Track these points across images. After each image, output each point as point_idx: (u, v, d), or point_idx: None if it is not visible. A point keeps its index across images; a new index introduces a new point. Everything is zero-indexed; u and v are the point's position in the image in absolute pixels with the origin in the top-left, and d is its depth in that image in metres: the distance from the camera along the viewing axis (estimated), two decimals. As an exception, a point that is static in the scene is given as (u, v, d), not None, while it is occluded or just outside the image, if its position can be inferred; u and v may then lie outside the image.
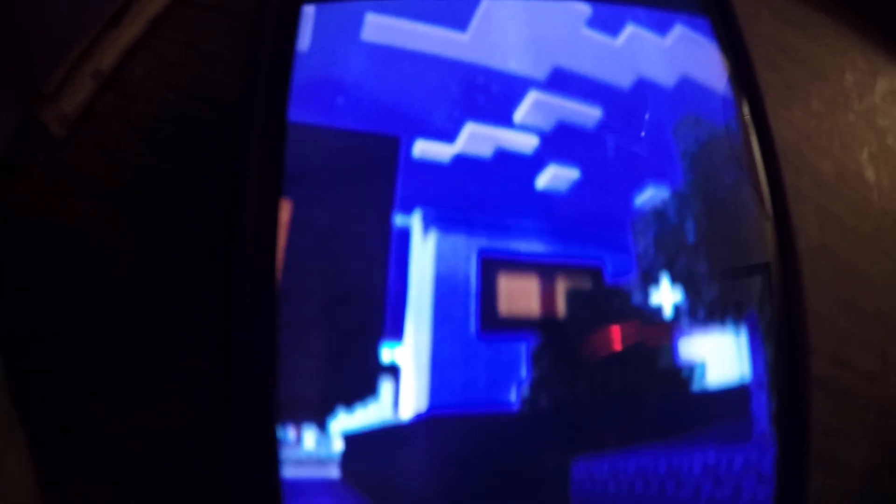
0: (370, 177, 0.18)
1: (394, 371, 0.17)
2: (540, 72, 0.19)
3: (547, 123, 0.19)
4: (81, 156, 0.23)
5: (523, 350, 0.18)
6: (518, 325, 0.18)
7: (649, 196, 0.19)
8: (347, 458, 0.17)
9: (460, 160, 0.18)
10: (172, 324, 0.22)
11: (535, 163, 0.19)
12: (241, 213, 0.17)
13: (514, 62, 0.19)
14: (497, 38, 0.19)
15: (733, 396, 0.20)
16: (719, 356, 0.20)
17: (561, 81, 0.19)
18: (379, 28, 0.19)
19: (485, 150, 0.18)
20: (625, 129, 0.19)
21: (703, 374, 0.20)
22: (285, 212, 0.18)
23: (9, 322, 0.22)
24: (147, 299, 0.22)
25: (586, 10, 0.20)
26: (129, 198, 0.23)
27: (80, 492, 0.21)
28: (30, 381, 0.21)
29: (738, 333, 0.20)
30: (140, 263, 0.22)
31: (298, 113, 0.18)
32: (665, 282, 0.19)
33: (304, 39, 0.19)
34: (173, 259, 0.22)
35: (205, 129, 0.23)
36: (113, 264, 0.22)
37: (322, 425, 0.17)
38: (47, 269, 0.22)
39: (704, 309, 0.19)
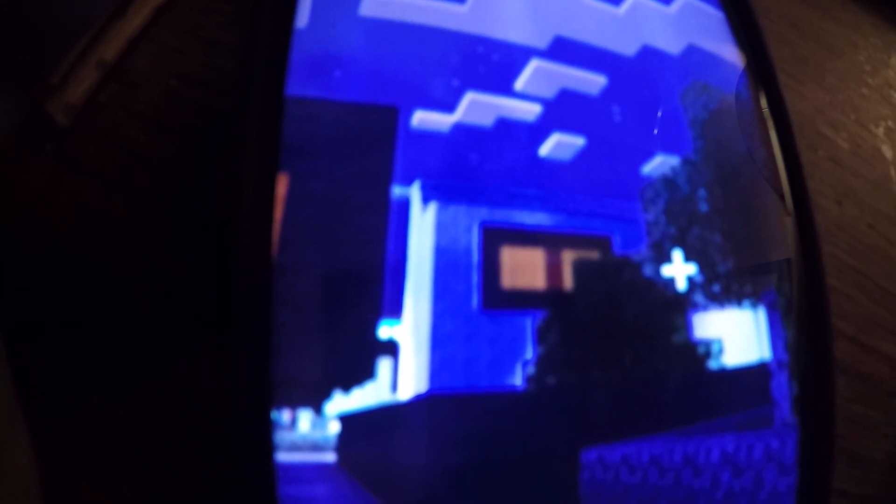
0: (369, 148, 0.17)
1: (392, 348, 0.16)
2: (541, 41, 0.18)
3: (549, 91, 0.18)
4: (86, 145, 0.23)
5: (529, 325, 0.17)
6: (523, 300, 0.17)
7: (658, 164, 0.18)
8: (344, 441, 0.16)
9: (461, 130, 0.17)
10: (177, 314, 0.21)
11: (538, 131, 0.17)
12: (239, 185, 0.17)
13: (514, 32, 0.18)
14: (496, 10, 0.18)
15: (753, 379, 0.19)
16: (737, 335, 0.18)
17: (563, 50, 0.18)
18: (377, 3, 0.18)
19: (485, 120, 0.17)
20: (631, 96, 0.18)
21: (720, 355, 0.18)
22: (282, 185, 0.17)
23: (13, 314, 0.21)
24: (152, 289, 0.21)
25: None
26: (135, 185, 0.22)
27: (82, 486, 0.20)
28: (33, 375, 0.20)
29: (756, 311, 0.18)
30: (146, 252, 0.21)
31: (296, 87, 0.17)
32: (677, 253, 0.17)
33: (303, 16, 0.18)
34: (180, 246, 0.21)
35: (208, 115, 0.22)
36: (119, 254, 0.21)
37: (317, 406, 0.16)
38: (53, 261, 0.22)
39: (720, 283, 0.18)
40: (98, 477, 0.20)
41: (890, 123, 0.24)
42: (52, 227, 0.22)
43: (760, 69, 0.19)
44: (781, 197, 0.19)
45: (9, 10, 0.25)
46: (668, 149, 0.18)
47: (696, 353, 0.18)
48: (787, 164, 0.19)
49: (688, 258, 0.18)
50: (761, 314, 0.18)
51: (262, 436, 0.15)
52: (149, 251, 0.21)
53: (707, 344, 0.18)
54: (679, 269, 0.17)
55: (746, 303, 0.18)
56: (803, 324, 0.18)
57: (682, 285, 0.18)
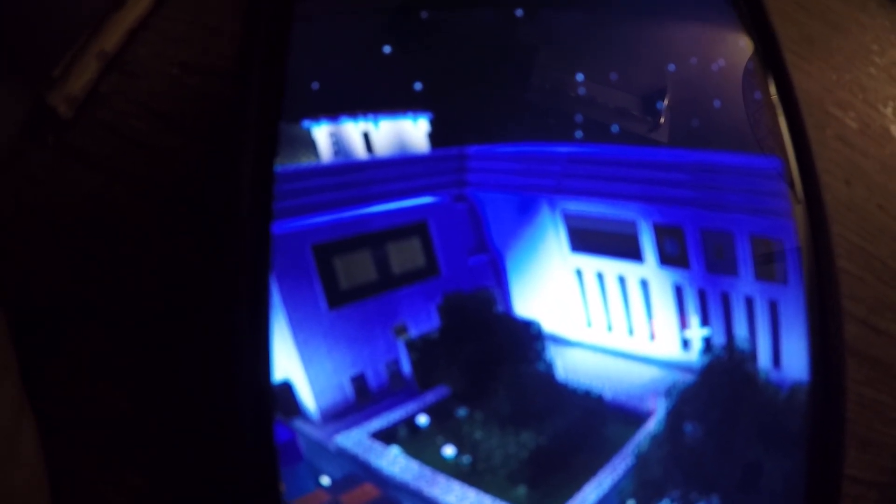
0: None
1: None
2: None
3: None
4: (88, 136, 0.22)
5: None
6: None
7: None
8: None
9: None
10: (184, 304, 0.20)
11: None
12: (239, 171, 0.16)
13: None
14: None
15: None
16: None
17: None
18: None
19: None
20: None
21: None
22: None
23: (20, 306, 0.20)
24: (155, 281, 0.20)
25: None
26: (137, 175, 0.21)
27: (89, 478, 0.20)
28: (41, 366, 0.20)
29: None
30: (150, 243, 0.21)
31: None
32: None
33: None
34: (184, 235, 0.21)
35: (210, 102, 0.22)
36: (122, 245, 0.21)
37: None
38: (57, 253, 0.21)
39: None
40: (104, 469, 0.19)
41: (899, 103, 0.23)
42: (54, 220, 0.21)
43: (767, 49, 0.19)
44: (791, 185, 0.18)
45: (13, 6, 0.24)
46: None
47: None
48: (794, 143, 0.18)
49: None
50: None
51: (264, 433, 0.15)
52: (151, 242, 0.21)
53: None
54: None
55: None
56: (814, 306, 0.18)
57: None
